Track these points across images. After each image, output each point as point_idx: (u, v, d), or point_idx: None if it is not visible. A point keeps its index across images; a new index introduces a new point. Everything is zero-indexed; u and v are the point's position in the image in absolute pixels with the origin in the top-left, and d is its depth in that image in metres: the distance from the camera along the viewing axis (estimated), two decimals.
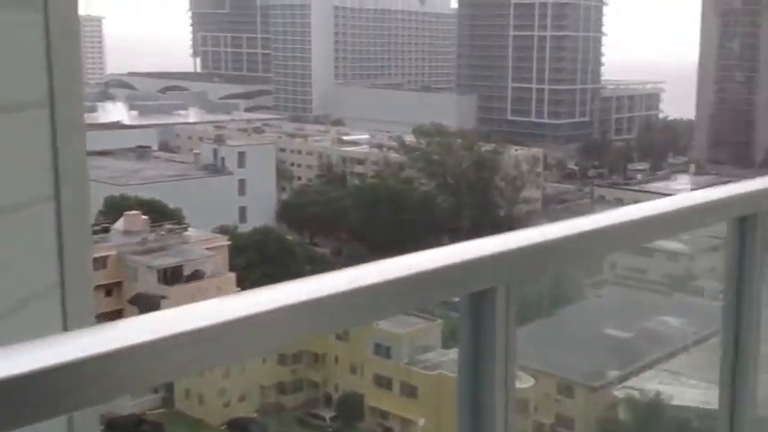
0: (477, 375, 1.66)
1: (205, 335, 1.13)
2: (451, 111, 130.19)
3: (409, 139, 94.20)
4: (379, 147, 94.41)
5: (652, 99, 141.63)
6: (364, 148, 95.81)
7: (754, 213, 2.47)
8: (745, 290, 2.50)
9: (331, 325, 1.51)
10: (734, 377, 2.55)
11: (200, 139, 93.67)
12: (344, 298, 1.37)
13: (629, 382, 43.60)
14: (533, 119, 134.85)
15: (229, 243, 54.67)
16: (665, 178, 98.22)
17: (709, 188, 2.39)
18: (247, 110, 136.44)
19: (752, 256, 2.48)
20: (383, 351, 43.80)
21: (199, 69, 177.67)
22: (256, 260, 55.98)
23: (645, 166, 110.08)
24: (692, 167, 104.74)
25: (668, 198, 2.19)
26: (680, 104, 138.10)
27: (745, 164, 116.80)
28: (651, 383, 41.92)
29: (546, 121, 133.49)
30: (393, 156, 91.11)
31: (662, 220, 2.10)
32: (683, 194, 2.27)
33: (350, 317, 1.47)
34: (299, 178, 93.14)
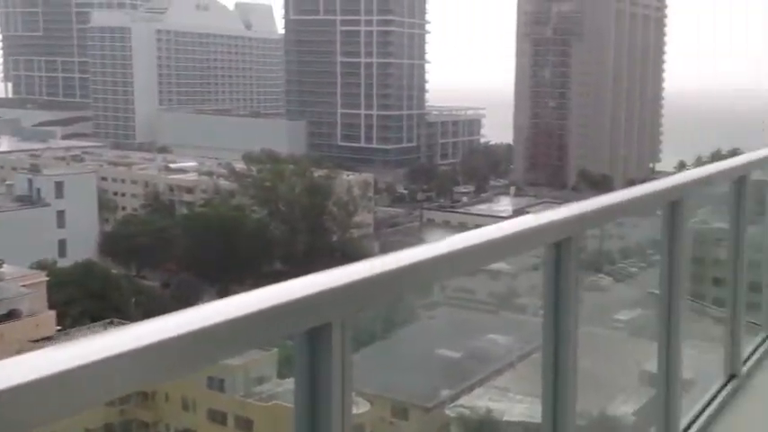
0: (314, 406, 1.66)
1: (33, 389, 1.07)
2: (282, 136, 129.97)
3: (239, 165, 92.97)
4: (209, 174, 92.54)
5: (474, 124, 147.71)
6: (193, 176, 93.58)
7: (568, 238, 2.62)
8: (561, 308, 2.65)
9: (169, 372, 1.44)
10: (555, 390, 2.70)
11: (14, 168, 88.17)
12: (181, 342, 1.32)
13: (461, 401, 44.73)
14: (363, 144, 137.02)
15: (48, 279, 51.57)
16: (489, 200, 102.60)
17: (529, 215, 2.56)
18: (65, 137, 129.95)
19: (567, 278, 2.62)
20: (216, 384, 42.56)
21: (10, 95, 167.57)
22: (78, 296, 53.16)
23: (470, 188, 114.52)
24: (513, 189, 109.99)
25: (492, 226, 2.34)
26: (500, 129, 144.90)
27: (559, 185, 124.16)
28: (481, 401, 43.30)
29: (375, 146, 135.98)
30: (223, 183, 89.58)
31: (487, 246, 2.23)
32: (504, 222, 2.38)
33: (188, 362, 1.42)
34: (124, 208, 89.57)
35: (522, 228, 2.47)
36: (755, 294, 5.90)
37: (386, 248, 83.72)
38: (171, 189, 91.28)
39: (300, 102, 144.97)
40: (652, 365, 4.21)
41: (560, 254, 2.65)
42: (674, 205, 3.90)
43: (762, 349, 5.70)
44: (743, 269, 5.11)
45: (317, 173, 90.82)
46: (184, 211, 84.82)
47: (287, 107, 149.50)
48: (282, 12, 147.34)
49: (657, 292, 3.94)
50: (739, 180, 4.91)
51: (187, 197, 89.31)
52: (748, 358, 5.45)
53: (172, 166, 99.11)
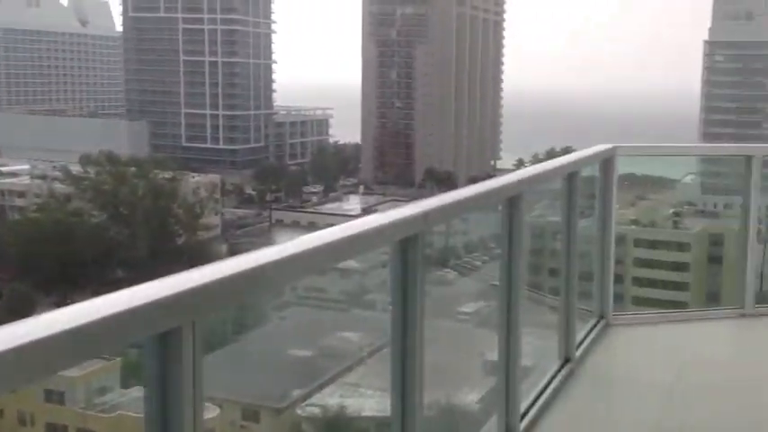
0: (165, 413, 1.63)
1: None
2: (122, 138, 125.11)
3: (76, 168, 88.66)
4: (42, 177, 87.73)
5: (322, 124, 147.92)
6: (25, 180, 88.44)
7: (414, 235, 2.72)
8: (408, 303, 2.74)
9: (13, 381, 1.39)
10: (403, 383, 2.79)
11: None
12: (14, 354, 1.26)
13: (313, 400, 44.56)
14: (209, 145, 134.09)
15: None
16: (338, 200, 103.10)
17: (376, 214, 2.68)
18: None
19: (413, 274, 2.73)
20: (56, 397, 40.43)
21: None
22: None
23: (319, 188, 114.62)
24: (361, 188, 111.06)
25: (340, 225, 2.37)
26: (349, 128, 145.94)
27: (406, 184, 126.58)
28: (333, 398, 43.29)
29: (222, 146, 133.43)
30: (58, 187, 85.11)
31: (335, 246, 2.27)
32: (352, 222, 2.43)
33: (22, 375, 1.36)
34: None
35: (369, 226, 2.52)
36: (587, 283, 6.38)
37: (234, 250, 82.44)
38: (1, 194, 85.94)
39: (141, 102, 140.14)
40: (494, 355, 4.44)
41: (406, 251, 2.72)
42: (512, 201, 4.08)
43: (593, 334, 6.12)
44: (575, 259, 5.46)
45: (161, 175, 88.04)
46: (16, 216, 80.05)
47: (127, 107, 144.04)
48: (120, 9, 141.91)
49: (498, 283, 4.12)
50: (570, 177, 5.26)
51: (19, 202, 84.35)
52: (581, 343, 5.83)
53: (2, 169, 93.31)
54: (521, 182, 4.26)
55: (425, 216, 2.85)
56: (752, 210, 6.75)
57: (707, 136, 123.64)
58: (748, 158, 6.71)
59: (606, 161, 5.94)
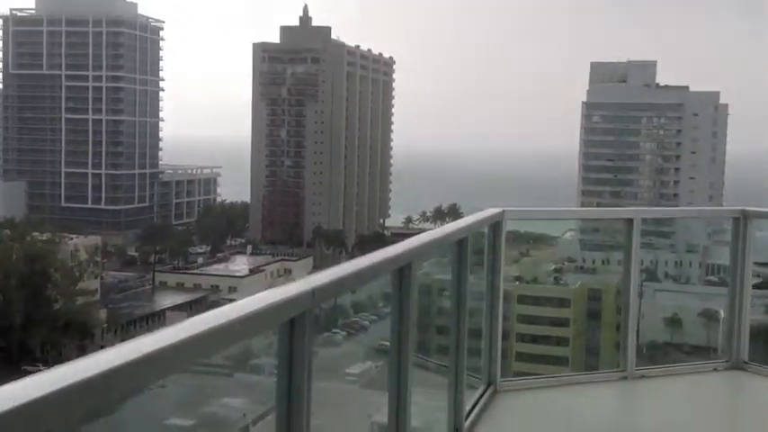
0: None
1: None
2: None
3: None
4: None
5: (210, 183, 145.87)
6: None
7: (302, 313, 2.62)
8: (294, 383, 2.69)
9: None
10: None
11: None
12: None
13: None
14: (90, 205, 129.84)
15: None
16: (225, 260, 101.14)
17: (262, 294, 2.49)
18: None
19: (301, 352, 2.64)
20: None
21: None
22: None
23: (205, 249, 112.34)
24: (249, 248, 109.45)
25: (221, 309, 2.21)
26: (237, 187, 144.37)
27: (295, 243, 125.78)
28: None
29: (104, 207, 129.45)
30: None
31: (220, 331, 2.12)
32: (235, 304, 2.28)
33: None
34: None
35: (254, 308, 2.36)
36: (476, 342, 6.41)
37: (113, 315, 78.62)
38: None
39: (19, 161, 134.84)
40: (382, 416, 4.36)
41: (293, 330, 2.64)
42: (403, 270, 4.11)
43: (482, 402, 6.16)
44: (464, 328, 5.43)
45: (39, 237, 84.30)
46: None
47: (4, 167, 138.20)
48: (0, 65, 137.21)
49: (387, 343, 4.14)
50: (460, 242, 5.26)
51: None
52: (470, 411, 5.84)
53: None
54: (411, 251, 4.23)
55: (313, 293, 2.73)
56: (632, 272, 6.77)
57: (585, 193, 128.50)
58: (629, 221, 6.70)
59: (495, 224, 6.01)
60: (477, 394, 6.27)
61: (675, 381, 7.08)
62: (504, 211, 5.91)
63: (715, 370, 7.38)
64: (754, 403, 6.87)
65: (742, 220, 7.00)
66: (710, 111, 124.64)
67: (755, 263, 7.73)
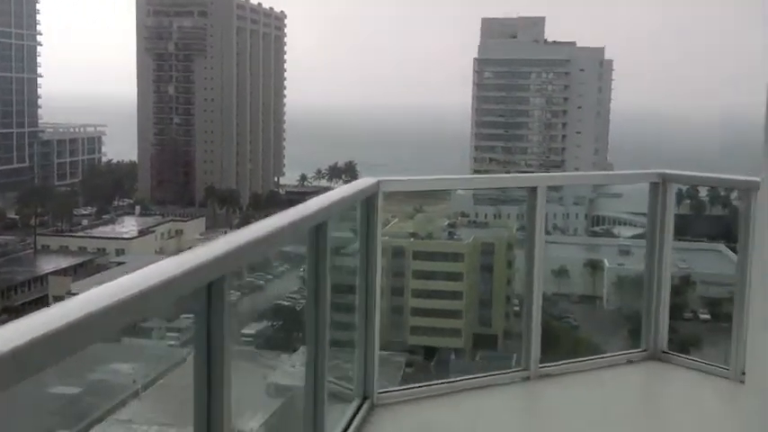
0: None
1: None
2: None
3: None
4: None
5: (94, 142, 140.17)
6: None
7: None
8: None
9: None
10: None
11: None
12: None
13: None
14: None
15: None
16: (112, 222, 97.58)
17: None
18: None
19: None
20: None
21: None
22: None
23: (91, 210, 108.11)
24: (137, 209, 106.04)
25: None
26: (123, 146, 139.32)
27: (187, 202, 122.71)
28: None
29: None
30: None
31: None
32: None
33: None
34: None
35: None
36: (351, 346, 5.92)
37: None
38: None
39: None
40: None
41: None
42: (318, 227, 3.94)
43: (356, 420, 5.42)
44: (325, 327, 4.72)
45: None
46: None
47: None
48: None
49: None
50: (318, 227, 4.42)
51: None
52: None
53: None
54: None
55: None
56: (537, 247, 5.72)
57: (478, 149, 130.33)
58: (532, 190, 5.73)
59: (369, 197, 4.91)
60: (349, 411, 5.23)
61: (585, 377, 6.21)
62: (378, 182, 4.85)
63: (630, 362, 6.53)
64: (673, 398, 6.01)
65: (661, 186, 6.14)
66: (596, 67, 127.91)
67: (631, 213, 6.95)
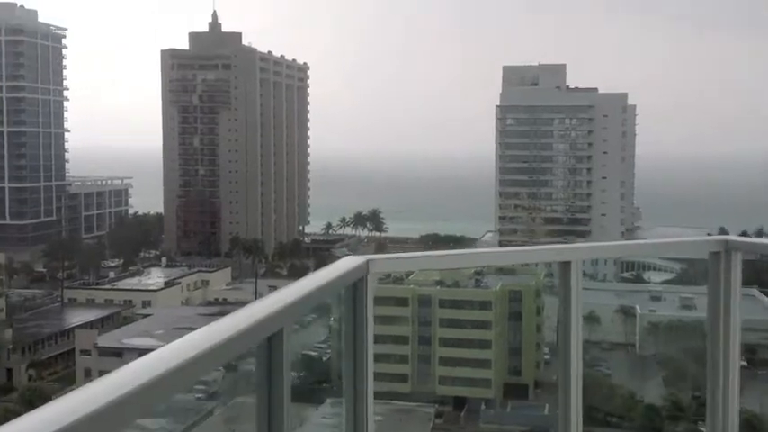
0: None
1: None
2: None
3: None
4: None
5: (121, 194, 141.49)
6: None
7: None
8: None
9: None
10: None
11: None
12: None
13: None
14: None
15: None
16: (138, 273, 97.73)
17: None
18: None
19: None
20: None
21: None
22: None
23: (118, 262, 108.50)
24: (164, 260, 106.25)
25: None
26: (149, 198, 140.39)
27: (212, 253, 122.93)
28: None
29: (8, 222, 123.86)
30: None
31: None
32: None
33: None
34: None
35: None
36: None
37: (19, 335, 74.55)
38: None
39: None
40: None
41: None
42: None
43: None
44: None
45: None
46: None
47: None
48: None
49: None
50: (354, 285, 3.66)
51: None
52: None
53: None
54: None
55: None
56: (572, 330, 4.32)
57: (503, 195, 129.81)
58: (565, 264, 4.30)
59: (357, 282, 3.67)
60: None
61: None
62: (367, 261, 3.61)
63: None
64: None
65: (723, 255, 4.44)
66: (619, 112, 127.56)
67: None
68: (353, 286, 3.63)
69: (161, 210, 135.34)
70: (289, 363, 2.76)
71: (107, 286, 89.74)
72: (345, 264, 3.66)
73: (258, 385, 2.77)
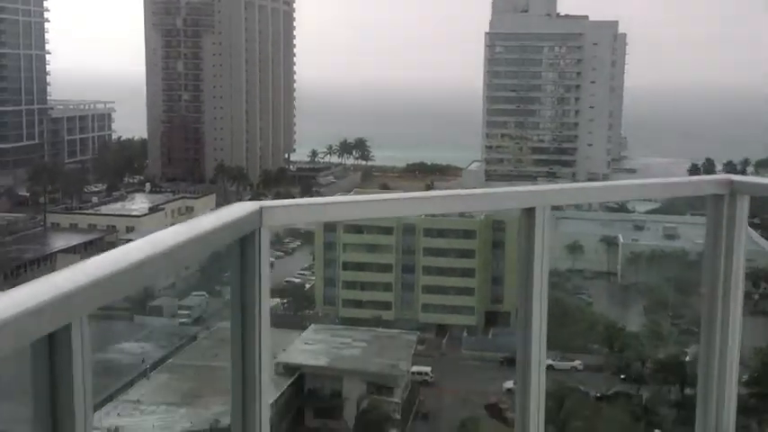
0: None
1: None
2: None
3: None
4: None
5: (104, 119, 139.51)
6: None
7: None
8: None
9: None
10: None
11: None
12: None
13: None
14: None
15: None
16: (122, 199, 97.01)
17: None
18: None
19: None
20: None
21: None
22: None
23: (101, 187, 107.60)
24: (148, 186, 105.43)
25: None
26: (133, 123, 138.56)
27: (197, 179, 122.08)
28: (110, 418, 39.92)
29: None
30: None
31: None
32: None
33: None
34: None
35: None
36: None
37: (2, 259, 74.16)
38: None
39: None
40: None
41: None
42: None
43: None
44: None
45: None
46: None
47: None
48: None
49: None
50: (242, 240, 3.12)
51: None
52: None
53: None
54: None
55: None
56: (535, 283, 3.17)
57: (490, 124, 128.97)
58: (528, 211, 3.21)
59: (248, 235, 2.44)
60: None
61: None
62: (261, 209, 2.79)
63: None
64: None
65: (727, 199, 3.45)
66: (609, 40, 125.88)
67: None
68: (241, 241, 2.77)
69: (144, 135, 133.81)
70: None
71: (90, 211, 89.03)
72: (233, 211, 2.72)
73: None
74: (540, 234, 3.03)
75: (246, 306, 2.75)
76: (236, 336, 2.68)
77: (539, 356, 3.16)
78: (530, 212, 3.03)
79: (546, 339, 3.20)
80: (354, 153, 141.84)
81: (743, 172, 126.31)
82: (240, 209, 2.61)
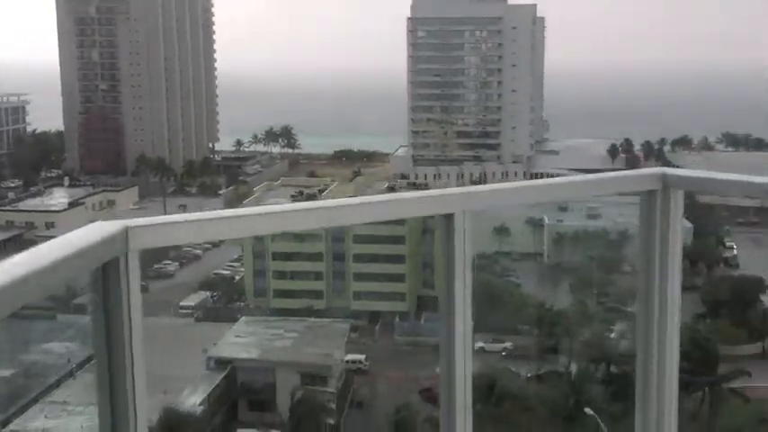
0: None
1: None
2: None
3: None
4: None
5: (18, 111, 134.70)
6: None
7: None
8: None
9: None
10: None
11: None
12: None
13: (13, 425, 39.79)
14: None
15: None
16: (40, 194, 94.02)
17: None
18: None
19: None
20: None
21: None
22: None
23: (17, 182, 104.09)
24: (66, 180, 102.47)
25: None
26: (48, 114, 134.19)
27: (118, 172, 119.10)
28: (37, 421, 38.75)
29: None
30: None
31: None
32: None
33: None
34: None
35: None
36: None
37: None
38: None
39: None
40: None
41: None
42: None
43: None
44: None
45: None
46: None
47: None
48: None
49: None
50: (104, 267, 2.78)
51: None
52: None
53: None
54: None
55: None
56: (457, 294, 2.72)
57: (415, 109, 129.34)
58: (447, 217, 2.80)
59: (108, 263, 1.98)
60: None
61: None
62: (127, 230, 2.17)
63: None
64: None
65: (660, 194, 3.15)
66: (528, 24, 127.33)
67: None
68: (104, 268, 2.30)
69: (61, 127, 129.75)
70: None
71: (7, 207, 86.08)
72: (91, 234, 2.30)
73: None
74: (460, 240, 2.68)
75: (113, 350, 2.18)
76: (104, 390, 2.07)
77: (463, 341, 2.78)
78: (448, 219, 2.72)
79: (471, 325, 2.92)
80: (281, 141, 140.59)
81: (660, 150, 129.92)
82: (99, 230, 2.16)
